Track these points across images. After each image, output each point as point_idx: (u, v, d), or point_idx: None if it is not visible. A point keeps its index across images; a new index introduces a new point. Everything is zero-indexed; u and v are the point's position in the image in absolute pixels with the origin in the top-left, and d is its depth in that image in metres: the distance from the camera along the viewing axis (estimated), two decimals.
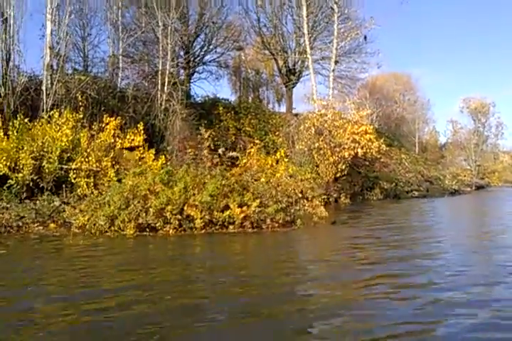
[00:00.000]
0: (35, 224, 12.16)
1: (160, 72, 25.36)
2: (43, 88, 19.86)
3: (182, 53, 33.71)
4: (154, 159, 19.29)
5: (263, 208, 11.33)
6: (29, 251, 9.53)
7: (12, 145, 16.05)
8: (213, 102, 30.69)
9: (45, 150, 16.53)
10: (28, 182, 15.33)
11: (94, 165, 16.82)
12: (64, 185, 16.00)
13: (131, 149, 19.33)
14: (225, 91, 64.96)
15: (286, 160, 20.92)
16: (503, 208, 23.53)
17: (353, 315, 5.14)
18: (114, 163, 17.93)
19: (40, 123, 17.48)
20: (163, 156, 19.40)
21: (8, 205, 14.18)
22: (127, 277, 6.93)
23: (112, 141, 19.22)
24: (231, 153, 15.60)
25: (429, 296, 5.73)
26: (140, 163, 18.55)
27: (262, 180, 14.91)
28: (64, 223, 11.85)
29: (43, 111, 19.01)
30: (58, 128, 17.72)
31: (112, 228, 10.60)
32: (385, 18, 60.86)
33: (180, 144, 22.07)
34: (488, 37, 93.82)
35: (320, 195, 20.35)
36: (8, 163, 15.46)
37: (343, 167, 22.61)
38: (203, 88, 61.95)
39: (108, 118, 19.51)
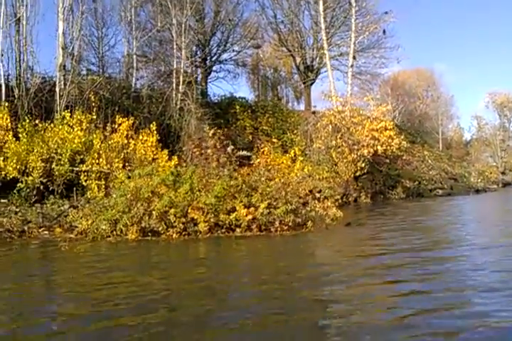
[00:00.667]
0: (41, 229, 11.85)
1: (175, 71, 25.05)
2: (57, 89, 19.71)
3: (198, 52, 33.39)
4: (168, 160, 18.91)
5: (272, 209, 10.74)
6: (16, 258, 9.13)
7: (23, 147, 15.87)
8: (230, 101, 30.26)
9: (55, 152, 16.32)
10: (37, 185, 15.13)
11: (105, 167, 16.51)
12: (75, 188, 15.73)
13: None
14: (243, 90, 64.58)
15: (301, 158, 20.28)
16: None
17: None
18: (126, 164, 17.62)
19: (52, 125, 17.28)
20: (176, 157, 18.97)
21: (18, 209, 13.97)
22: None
23: (126, 142, 18.89)
24: (241, 152, 15.02)
25: None
26: (153, 164, 18.15)
27: (277, 180, 14.40)
28: (70, 227, 11.47)
29: (56, 112, 18.82)
30: (70, 129, 17.50)
31: (114, 232, 10.19)
32: (405, 12, 59.80)
33: (195, 144, 21.64)
34: None
35: (334, 195, 19.90)
36: (18, 166, 15.28)
37: (363, 165, 21.90)
38: (220, 87, 61.40)
39: (120, 119, 19.13)
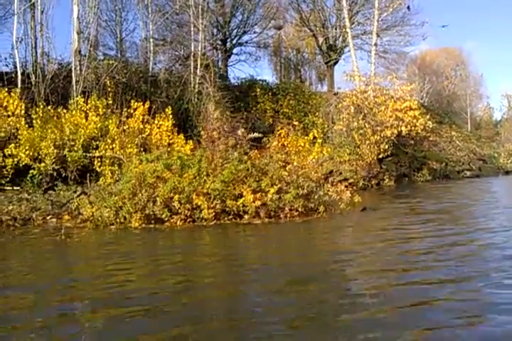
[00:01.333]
0: (49, 217, 11.64)
1: (192, 54, 24.58)
2: (73, 75, 19.51)
3: (218, 34, 32.76)
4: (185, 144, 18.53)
5: (283, 194, 10.20)
6: None
7: (36, 133, 15.73)
8: (250, 84, 29.65)
9: (69, 138, 16.13)
10: (50, 172, 14.97)
11: (118, 153, 16.24)
12: (88, 174, 15.51)
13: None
14: (266, 73, 63.62)
15: (320, 141, 19.58)
16: None
17: None
18: (141, 149, 17.33)
19: (65, 111, 17.09)
20: (192, 141, 18.56)
21: (30, 196, 13.84)
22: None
23: (141, 127, 18.59)
24: (252, 134, 14.45)
25: None
26: (169, 149, 17.81)
27: (293, 163, 13.86)
28: (78, 215, 11.20)
29: (72, 98, 18.61)
30: (83, 115, 17.30)
31: (118, 220, 9.86)
32: None
33: (213, 128, 21.19)
34: None
35: (357, 177, 19.24)
36: (31, 153, 15.14)
37: (386, 147, 21.08)
38: (242, 70, 60.64)
39: (136, 104, 18.80)
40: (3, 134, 15.49)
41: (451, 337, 3.74)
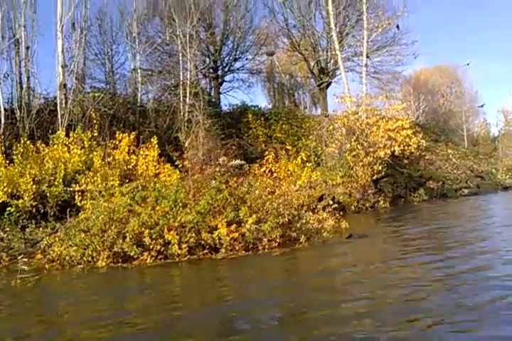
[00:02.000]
0: (20, 256, 11.03)
1: (182, 83, 24.42)
2: (58, 108, 19.30)
3: (209, 62, 32.71)
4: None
5: (261, 224, 9.57)
6: None
7: (17, 170, 15.31)
8: (242, 110, 29.41)
9: (47, 173, 15.67)
10: (28, 208, 14.45)
11: (100, 186, 15.72)
12: (69, 209, 14.95)
13: None
14: (259, 99, 63.24)
15: (309, 165, 19.03)
16: None
17: None
18: (126, 181, 16.83)
19: (44, 145, 16.72)
20: (178, 171, 18.04)
21: (5, 235, 13.30)
22: None
23: (127, 158, 18.18)
24: (234, 162, 13.97)
25: None
26: (155, 179, 17.30)
27: (282, 188, 13.34)
28: (48, 254, 10.56)
29: (57, 132, 18.30)
30: (66, 149, 16.92)
31: (84, 259, 9.23)
32: (426, 8, 58.10)
33: (203, 157, 20.77)
34: None
35: (350, 201, 18.60)
36: (9, 190, 14.65)
37: (380, 168, 20.46)
38: (235, 97, 59.93)
39: (121, 135, 18.44)
40: None
41: None
